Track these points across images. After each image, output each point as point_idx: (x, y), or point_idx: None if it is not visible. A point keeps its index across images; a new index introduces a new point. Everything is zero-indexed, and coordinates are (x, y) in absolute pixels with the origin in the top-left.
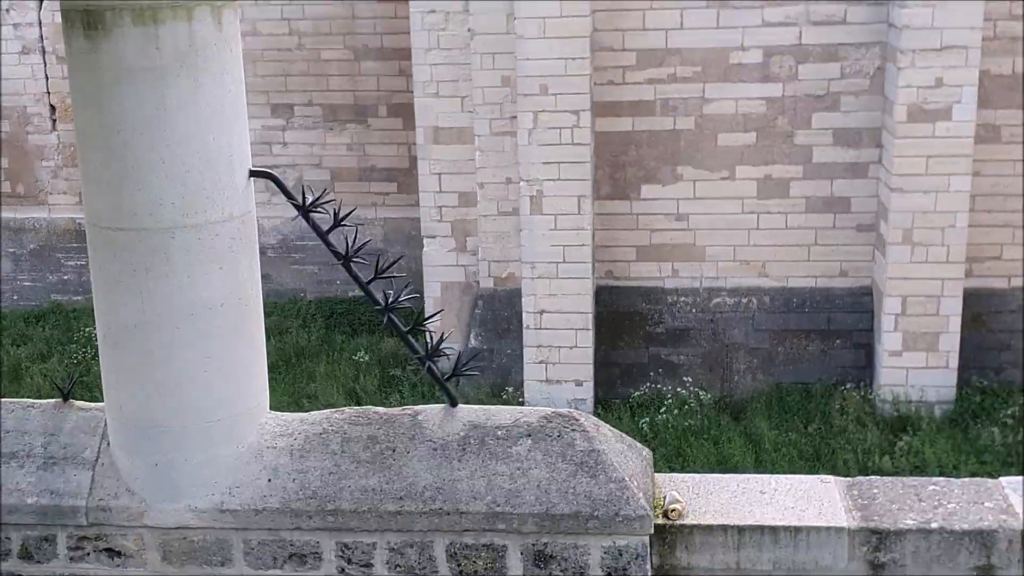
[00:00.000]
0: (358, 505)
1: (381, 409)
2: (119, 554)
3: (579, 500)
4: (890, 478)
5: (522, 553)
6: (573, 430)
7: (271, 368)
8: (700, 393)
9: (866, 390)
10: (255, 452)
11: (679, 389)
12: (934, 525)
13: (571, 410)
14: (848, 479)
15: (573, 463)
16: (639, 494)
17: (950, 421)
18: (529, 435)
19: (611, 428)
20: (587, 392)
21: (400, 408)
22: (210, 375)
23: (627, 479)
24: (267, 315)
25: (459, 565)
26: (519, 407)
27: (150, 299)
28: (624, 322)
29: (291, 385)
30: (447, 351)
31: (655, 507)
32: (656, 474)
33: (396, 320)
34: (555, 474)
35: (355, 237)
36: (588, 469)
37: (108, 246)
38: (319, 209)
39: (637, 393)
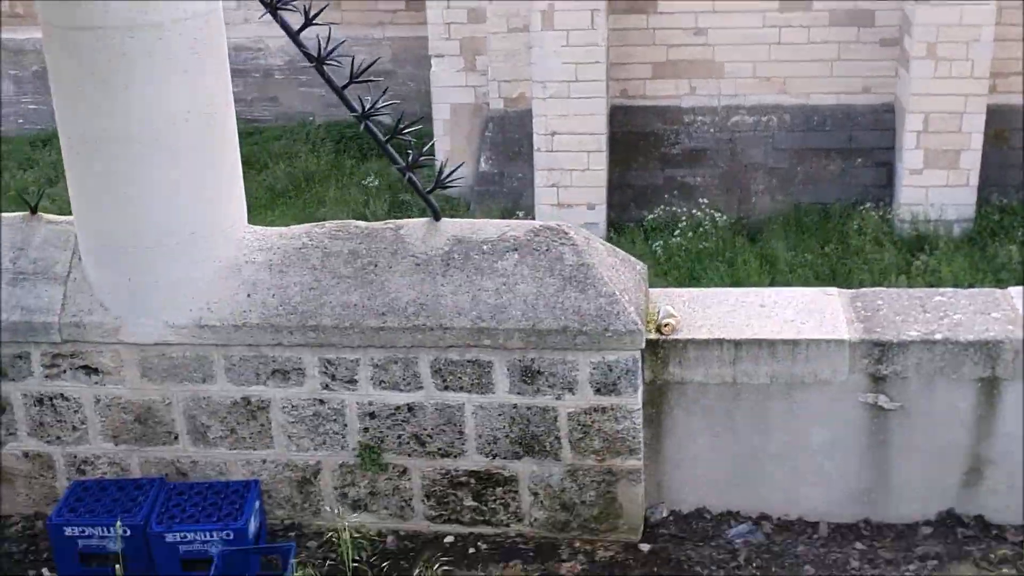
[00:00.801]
0: (340, 321)
1: (363, 223)
2: (96, 371)
3: (567, 315)
4: (896, 289)
5: (508, 369)
6: (562, 244)
7: (281, 194)
8: (716, 215)
9: (885, 209)
10: (233, 267)
11: (694, 211)
12: (938, 336)
13: (560, 223)
14: (852, 291)
15: (561, 277)
16: (630, 308)
17: (968, 240)
18: (516, 249)
19: (603, 242)
20: (599, 215)
21: (382, 222)
22: (179, 190)
23: (618, 293)
24: (275, 139)
25: (444, 381)
26: (505, 220)
27: (111, 109)
28: (639, 143)
29: (300, 211)
30: (430, 162)
31: (648, 322)
32: (651, 289)
33: (373, 128)
34: (542, 289)
35: (328, 38)
36: (577, 283)
37: (65, 49)
38: (288, 6)
39: (651, 216)
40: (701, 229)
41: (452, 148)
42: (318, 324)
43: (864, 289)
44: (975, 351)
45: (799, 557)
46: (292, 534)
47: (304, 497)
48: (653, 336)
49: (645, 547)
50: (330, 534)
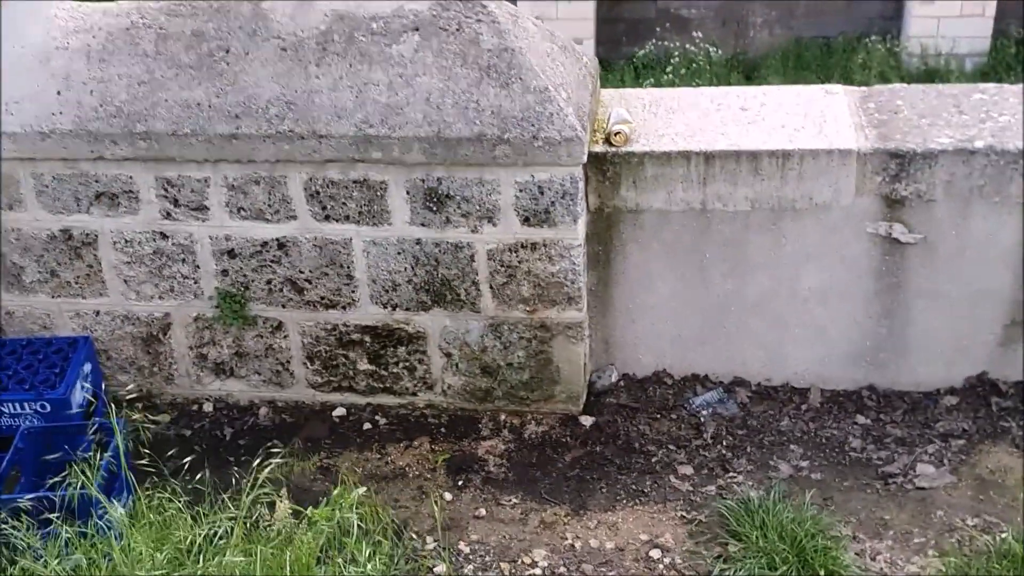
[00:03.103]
0: (179, 126)
1: None
2: None
3: (483, 118)
4: (921, 86)
5: (408, 192)
6: (478, 21)
7: None
8: (711, 50)
9: (893, 43)
10: (40, 55)
11: (688, 46)
12: (979, 144)
13: None
14: (863, 88)
15: (477, 67)
16: (567, 110)
17: (982, 75)
18: (416, 29)
19: (537, 22)
20: (587, 51)
21: None
22: None
23: (552, 89)
24: None
25: (324, 208)
26: None
27: None
28: None
29: None
30: None
31: (595, 132)
32: (605, 91)
33: None
34: (451, 83)
35: None
36: (498, 75)
37: None
38: None
39: (642, 52)
40: (695, 65)
41: None
42: (150, 130)
43: (880, 87)
44: None
45: (783, 434)
46: (140, 405)
47: (153, 359)
48: (600, 148)
49: (587, 420)
50: (193, 406)
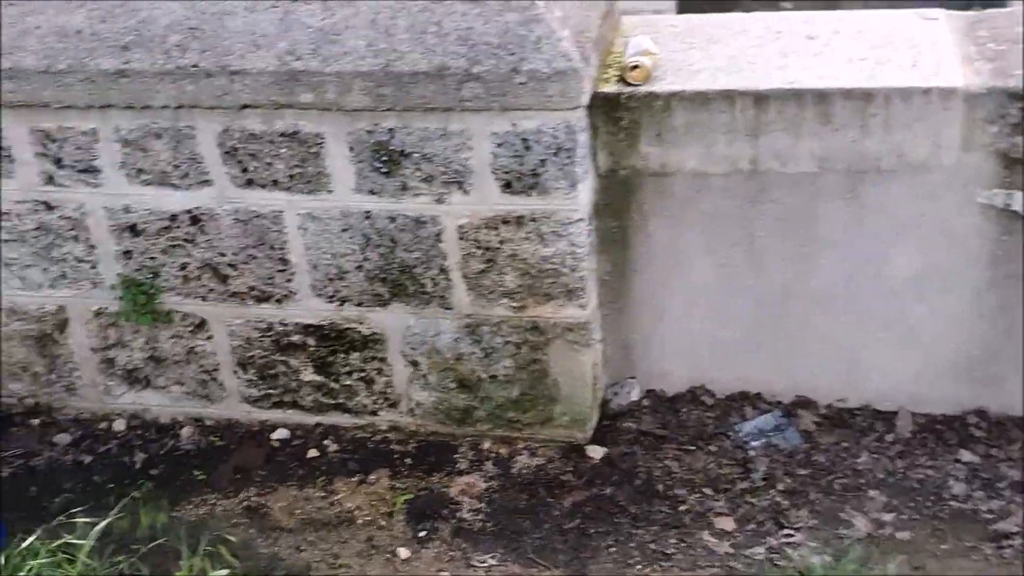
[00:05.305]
0: (54, 61)
1: None
2: None
3: (446, 45)
4: None
5: (352, 149)
6: None
7: None
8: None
9: None
10: None
11: None
12: None
13: None
14: (971, 12)
15: None
16: (561, 32)
17: None
18: None
19: None
20: None
21: None
22: None
23: (540, 4)
24: None
25: (244, 169)
26: None
27: None
28: None
29: None
30: None
31: (607, 66)
32: (626, 17)
33: None
34: None
35: None
36: None
37: None
38: None
39: None
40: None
41: None
42: (16, 67)
43: (992, 10)
44: None
45: (860, 475)
46: (35, 421)
47: (49, 363)
48: (612, 88)
49: (596, 452)
50: (101, 424)
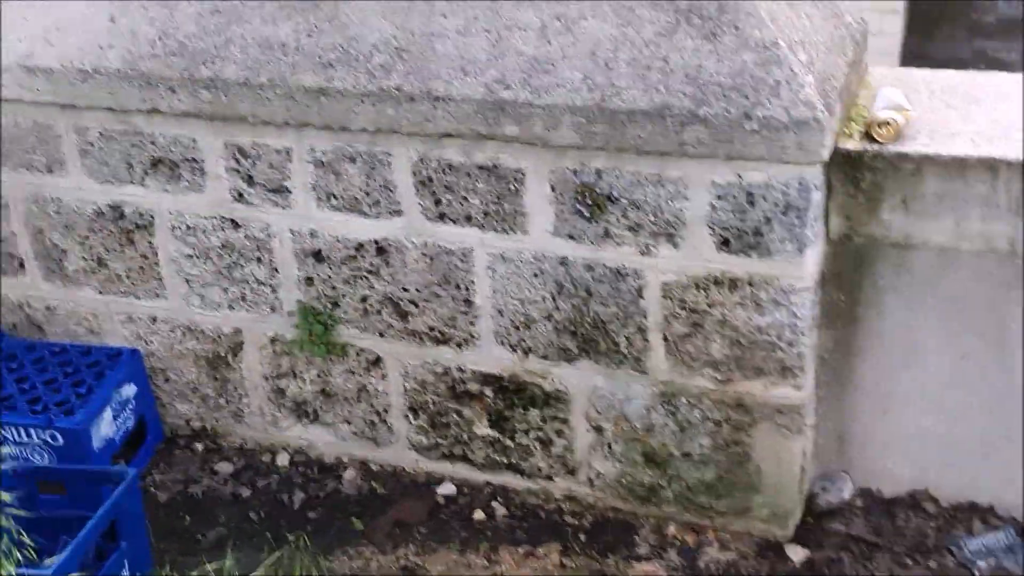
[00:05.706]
0: (254, 72)
1: None
2: None
3: (671, 82)
4: None
5: (553, 188)
6: None
7: None
8: None
9: None
10: None
11: None
12: None
13: None
14: None
15: (672, 8)
16: (805, 78)
17: None
18: None
19: None
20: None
21: None
22: None
23: (784, 46)
24: None
25: (437, 202)
26: None
27: None
28: (943, 8)
29: None
30: None
31: (850, 120)
32: (875, 68)
33: None
34: (630, 29)
35: None
36: (702, 20)
37: None
38: None
39: None
40: None
41: None
42: (216, 76)
43: None
44: None
45: None
46: (199, 446)
47: (220, 387)
48: (855, 145)
49: (797, 553)
50: (264, 456)
